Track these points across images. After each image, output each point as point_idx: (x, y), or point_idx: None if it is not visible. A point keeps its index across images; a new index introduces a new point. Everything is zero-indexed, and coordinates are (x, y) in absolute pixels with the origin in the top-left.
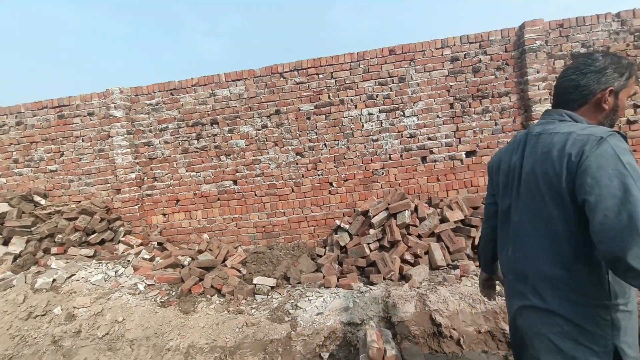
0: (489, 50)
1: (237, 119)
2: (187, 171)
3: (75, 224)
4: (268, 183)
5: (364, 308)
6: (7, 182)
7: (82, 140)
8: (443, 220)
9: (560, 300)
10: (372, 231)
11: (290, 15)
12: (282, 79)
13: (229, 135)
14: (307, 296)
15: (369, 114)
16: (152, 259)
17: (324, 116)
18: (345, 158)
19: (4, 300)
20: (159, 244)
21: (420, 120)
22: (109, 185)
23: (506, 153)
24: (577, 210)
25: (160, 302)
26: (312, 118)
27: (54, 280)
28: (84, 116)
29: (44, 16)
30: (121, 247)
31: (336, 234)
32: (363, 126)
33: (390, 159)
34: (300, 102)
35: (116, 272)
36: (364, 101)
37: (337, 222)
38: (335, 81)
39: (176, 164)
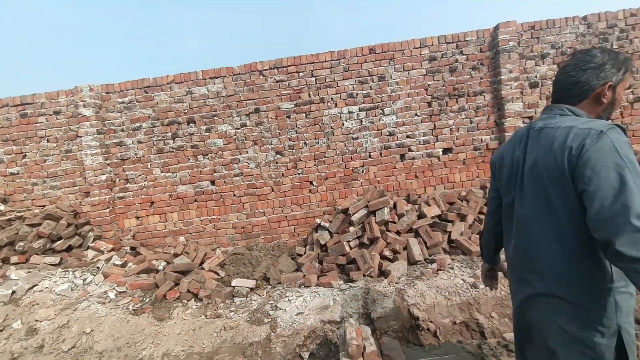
0: (465, 50)
1: (215, 118)
2: (162, 172)
3: (39, 230)
4: (247, 183)
5: (344, 305)
6: None
7: (48, 141)
8: (421, 216)
9: (565, 285)
10: (352, 229)
11: (273, 14)
12: (261, 76)
13: (207, 134)
14: (287, 296)
15: (349, 112)
16: (124, 265)
17: (304, 115)
18: (325, 156)
19: None
20: (132, 248)
21: (399, 118)
22: (77, 188)
23: (508, 148)
24: (578, 200)
25: (133, 309)
26: (292, 116)
27: (13, 292)
28: (50, 115)
29: (28, 11)
30: (90, 254)
31: (316, 232)
32: (343, 124)
33: (370, 157)
34: (280, 101)
35: (84, 280)
36: (344, 99)
37: (318, 220)
38: (316, 79)
39: (150, 165)
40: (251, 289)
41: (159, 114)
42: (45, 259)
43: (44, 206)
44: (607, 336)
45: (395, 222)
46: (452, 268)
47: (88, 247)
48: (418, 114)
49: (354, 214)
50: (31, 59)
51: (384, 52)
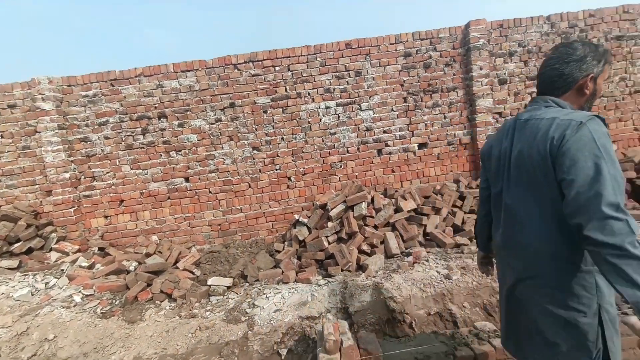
0: (438, 47)
1: (188, 113)
2: (132, 169)
3: None
4: (223, 179)
5: (322, 301)
6: None
7: (2, 137)
8: (397, 210)
9: (550, 270)
10: (330, 224)
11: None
12: (236, 70)
13: (179, 129)
14: (264, 294)
15: (327, 107)
16: (91, 267)
17: (281, 109)
18: (303, 152)
19: None
20: (100, 249)
21: (375, 114)
22: (37, 186)
23: (497, 140)
24: (559, 188)
25: (101, 313)
26: (268, 111)
27: None
28: (4, 109)
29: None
30: (53, 256)
31: (295, 228)
32: (321, 120)
33: (347, 152)
34: (256, 95)
35: (46, 283)
36: (322, 94)
37: (296, 216)
38: (292, 74)
39: (119, 162)
40: (228, 287)
41: (127, 108)
42: (1, 263)
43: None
44: (590, 316)
45: (373, 217)
46: (427, 260)
47: (51, 249)
48: (394, 109)
49: (332, 209)
50: None
51: (360, 47)
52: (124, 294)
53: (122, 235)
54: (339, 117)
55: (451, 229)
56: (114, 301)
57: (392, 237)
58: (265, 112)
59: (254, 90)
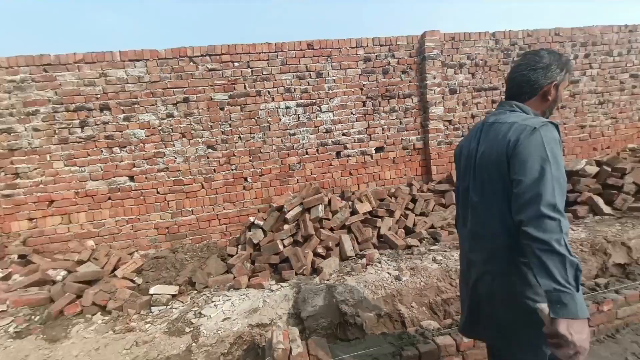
0: (396, 54)
1: (136, 106)
2: (66, 165)
3: None
4: (174, 179)
5: (274, 307)
6: None
7: None
8: (353, 212)
9: (508, 263)
10: (286, 227)
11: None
12: (192, 63)
13: (125, 123)
14: (213, 301)
15: (287, 107)
16: (6, 277)
17: (239, 107)
18: (261, 152)
19: None
20: (22, 256)
21: (335, 116)
22: None
23: (467, 141)
24: (512, 187)
25: (15, 332)
26: (225, 108)
27: None
28: None
29: None
30: None
31: (250, 231)
32: (280, 120)
33: (307, 153)
34: (212, 91)
35: None
36: (282, 94)
37: (251, 219)
38: (252, 71)
39: (50, 157)
40: (173, 296)
41: (63, 97)
42: None
43: None
44: (543, 301)
45: (329, 219)
46: (379, 262)
47: None
48: (353, 112)
49: (289, 211)
50: None
51: (322, 48)
52: (47, 308)
53: (50, 240)
54: (299, 117)
55: (403, 230)
56: (33, 317)
57: (347, 240)
58: (222, 109)
59: (211, 85)
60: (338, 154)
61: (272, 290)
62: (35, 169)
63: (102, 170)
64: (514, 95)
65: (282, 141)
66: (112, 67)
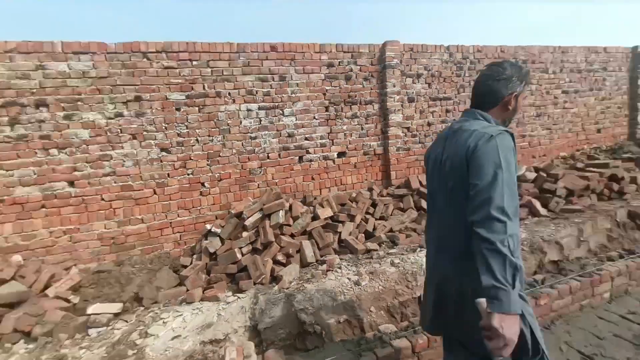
0: (359, 61)
1: (79, 103)
2: None
3: None
4: (121, 184)
5: (230, 320)
6: None
7: None
8: (315, 217)
9: (469, 264)
10: (245, 234)
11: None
12: (146, 60)
13: (65, 122)
14: (162, 318)
15: (248, 110)
16: None
17: (197, 108)
18: (220, 156)
19: None
20: None
21: (298, 120)
22: None
23: (434, 146)
24: None
25: None
26: (182, 109)
27: None
28: None
29: None
30: None
31: (206, 239)
32: (241, 122)
33: (268, 157)
34: (168, 90)
35: None
36: (243, 96)
37: (208, 226)
38: (212, 71)
39: None
40: (116, 315)
41: None
42: None
43: None
44: None
45: (290, 225)
46: (340, 268)
47: None
48: (316, 117)
49: (248, 217)
50: None
51: (286, 51)
52: None
53: None
54: (260, 121)
55: (363, 235)
56: None
57: (308, 246)
58: (178, 109)
59: (167, 84)
60: (300, 158)
61: (228, 303)
62: None
63: (35, 174)
64: (478, 104)
65: (242, 145)
66: (52, 59)
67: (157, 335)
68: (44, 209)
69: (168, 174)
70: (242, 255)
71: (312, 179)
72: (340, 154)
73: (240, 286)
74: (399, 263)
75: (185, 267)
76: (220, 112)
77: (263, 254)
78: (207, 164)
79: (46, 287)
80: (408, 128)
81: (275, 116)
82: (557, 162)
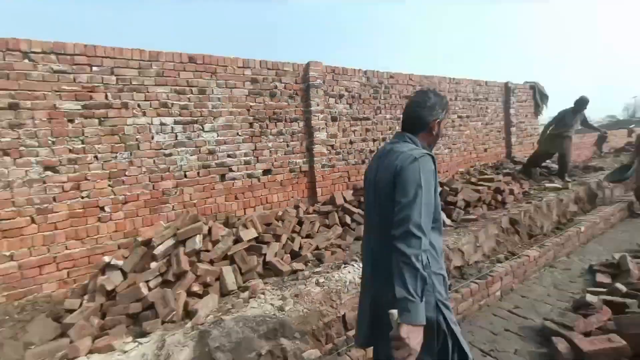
0: (283, 79)
1: None
2: None
3: None
4: None
5: None
6: None
7: None
8: (238, 240)
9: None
10: (154, 264)
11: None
12: (28, 61)
13: None
14: None
15: (162, 124)
16: None
17: (96, 120)
18: (126, 175)
19: None
20: None
21: (220, 136)
22: None
23: (370, 165)
24: None
25: None
26: (77, 121)
27: None
28: None
29: None
30: None
31: (104, 275)
32: (153, 137)
33: (185, 176)
34: (58, 98)
35: None
36: (156, 109)
37: (106, 258)
38: (118, 79)
39: None
40: None
41: None
42: None
43: None
44: (431, 310)
45: (209, 251)
46: (263, 293)
47: None
48: (240, 133)
49: (158, 245)
50: None
51: (206, 64)
52: None
53: None
54: (176, 136)
55: (289, 255)
56: None
57: (229, 272)
58: (71, 121)
59: (56, 91)
60: (222, 176)
61: (126, 352)
62: None
63: None
64: (408, 128)
65: (154, 162)
66: None
67: None
68: None
69: (54, 198)
70: (150, 290)
71: (236, 198)
72: (266, 172)
73: (144, 328)
74: (323, 282)
75: (71, 312)
76: (127, 125)
77: (175, 286)
78: (109, 185)
79: None
80: (332, 145)
81: (194, 131)
82: (457, 177)
